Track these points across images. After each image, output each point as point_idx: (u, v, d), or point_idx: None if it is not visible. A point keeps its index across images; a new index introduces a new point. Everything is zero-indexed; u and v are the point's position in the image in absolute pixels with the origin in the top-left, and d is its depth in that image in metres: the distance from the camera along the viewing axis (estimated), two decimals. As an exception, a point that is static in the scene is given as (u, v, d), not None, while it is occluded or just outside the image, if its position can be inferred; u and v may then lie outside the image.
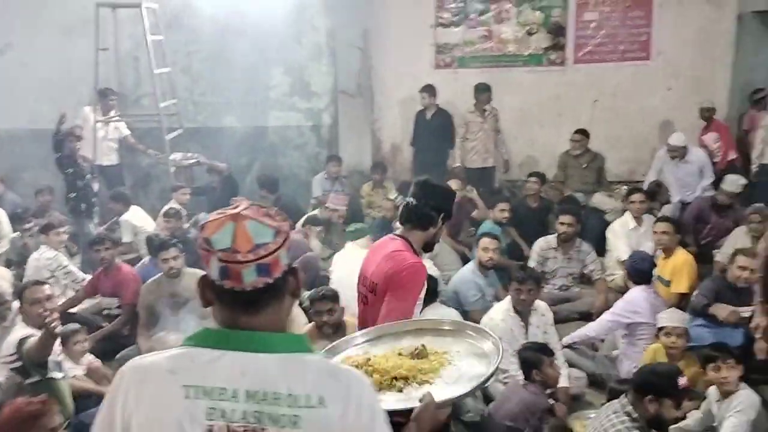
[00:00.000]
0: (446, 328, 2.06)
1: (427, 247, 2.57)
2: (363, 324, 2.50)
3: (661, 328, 3.75)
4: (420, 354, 1.84)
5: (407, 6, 7.55)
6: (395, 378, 1.73)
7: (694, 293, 4.44)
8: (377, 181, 7.04)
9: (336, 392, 1.21)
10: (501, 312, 4.05)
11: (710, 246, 5.56)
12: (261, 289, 1.23)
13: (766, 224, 4.88)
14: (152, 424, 1.19)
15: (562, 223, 5.16)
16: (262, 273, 1.22)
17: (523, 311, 4.02)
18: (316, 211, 5.89)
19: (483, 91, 6.89)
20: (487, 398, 3.78)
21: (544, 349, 3.53)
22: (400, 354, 1.87)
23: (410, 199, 2.52)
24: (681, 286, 4.61)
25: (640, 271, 4.34)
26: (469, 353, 1.88)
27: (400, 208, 2.64)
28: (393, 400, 1.65)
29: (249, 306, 1.24)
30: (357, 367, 1.72)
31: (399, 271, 2.37)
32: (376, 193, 7.01)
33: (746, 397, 3.20)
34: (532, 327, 4.02)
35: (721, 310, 4.16)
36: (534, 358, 3.43)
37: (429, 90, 7.00)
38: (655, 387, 2.80)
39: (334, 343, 2.03)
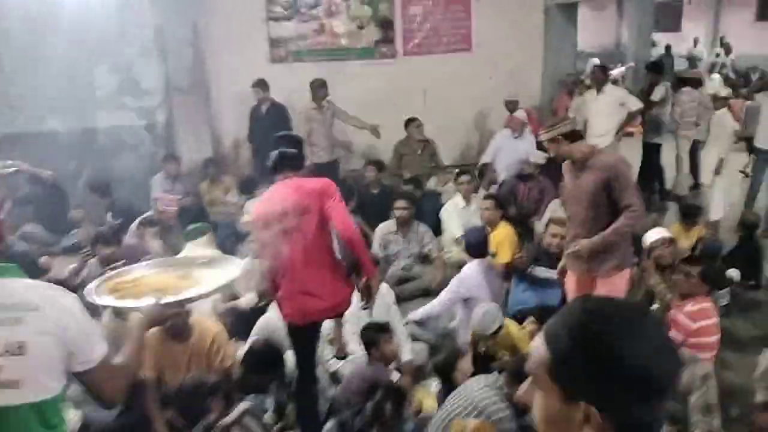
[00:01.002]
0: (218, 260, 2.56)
1: None
2: (293, 248, 3.04)
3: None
4: (185, 276, 2.31)
5: (237, 0, 7.47)
6: (157, 290, 2.17)
7: (516, 258, 4.94)
8: (213, 178, 6.94)
9: (47, 300, 1.69)
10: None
11: (530, 216, 6.18)
12: None
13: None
14: None
15: (397, 208, 5.43)
16: None
17: (368, 300, 4.21)
18: (150, 212, 5.68)
19: (319, 86, 7.03)
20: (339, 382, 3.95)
21: (382, 328, 3.69)
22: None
23: (280, 151, 3.13)
24: (504, 256, 5.08)
25: (476, 243, 4.58)
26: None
27: (272, 163, 3.20)
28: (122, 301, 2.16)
29: None
30: (123, 283, 2.25)
31: (327, 184, 3.11)
32: (215, 189, 6.91)
33: None
34: (376, 308, 4.23)
35: (541, 272, 4.67)
36: (372, 337, 3.60)
37: (261, 85, 6.99)
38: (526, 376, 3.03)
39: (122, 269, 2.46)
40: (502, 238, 5.10)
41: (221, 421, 2.83)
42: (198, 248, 5.02)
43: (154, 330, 3.50)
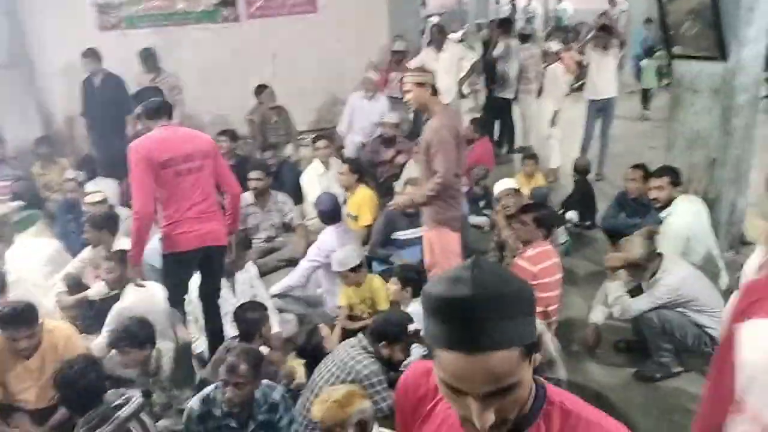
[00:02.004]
0: None
1: None
2: (197, 186, 3.57)
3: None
4: None
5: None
6: None
7: (376, 222, 5.05)
8: (46, 158, 6.37)
9: None
10: None
11: (392, 178, 6.32)
12: None
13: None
14: None
15: (252, 179, 5.30)
16: None
17: (230, 274, 4.14)
18: (-21, 207, 5.13)
19: (147, 56, 6.62)
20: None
21: (261, 307, 3.63)
22: None
23: (162, 99, 3.61)
24: (365, 219, 5.18)
25: (327, 210, 4.62)
26: None
27: (155, 109, 3.55)
28: None
29: None
30: None
31: (214, 142, 3.80)
32: (49, 171, 6.35)
33: None
34: (239, 285, 4.17)
35: (399, 236, 4.83)
36: (259, 318, 3.54)
37: (91, 55, 6.41)
38: (388, 334, 3.09)
39: None
40: (362, 201, 5.18)
41: (118, 415, 2.64)
42: (30, 238, 4.65)
43: None
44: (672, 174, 4.50)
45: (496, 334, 0.95)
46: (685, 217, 4.21)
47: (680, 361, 3.73)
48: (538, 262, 3.77)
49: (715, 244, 4.37)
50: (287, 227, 5.55)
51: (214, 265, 3.80)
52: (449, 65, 7.36)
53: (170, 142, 3.50)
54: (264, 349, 3.70)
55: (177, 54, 7.07)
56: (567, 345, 3.98)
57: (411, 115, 7.26)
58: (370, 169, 6.30)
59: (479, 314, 0.95)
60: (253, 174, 5.32)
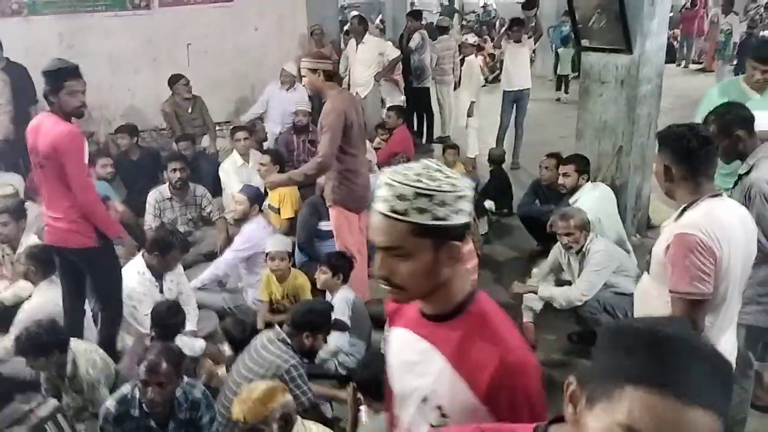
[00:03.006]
0: None
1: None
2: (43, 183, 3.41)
3: (267, 254, 4.15)
4: None
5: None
6: None
7: (300, 214, 5.03)
8: None
9: None
10: (135, 276, 3.93)
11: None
12: None
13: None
14: None
15: (174, 170, 5.13)
16: None
17: (159, 270, 4.01)
18: None
19: None
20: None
21: (179, 308, 3.54)
22: None
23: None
24: (287, 212, 5.14)
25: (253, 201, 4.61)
26: None
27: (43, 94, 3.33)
28: None
29: None
30: None
31: (64, 141, 3.25)
32: None
33: None
34: (167, 283, 4.05)
35: (323, 226, 4.81)
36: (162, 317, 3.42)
37: None
38: (312, 324, 3.09)
39: None
40: (285, 194, 5.13)
41: (34, 415, 2.51)
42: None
43: None
44: (579, 161, 4.71)
45: None
46: (591, 203, 4.40)
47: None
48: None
49: (622, 229, 4.61)
50: (205, 221, 5.43)
51: (65, 266, 3.60)
52: (369, 57, 7.40)
53: (34, 132, 3.37)
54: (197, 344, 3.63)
55: (85, 42, 6.72)
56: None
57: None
58: (287, 159, 6.23)
59: None
60: (172, 165, 5.16)
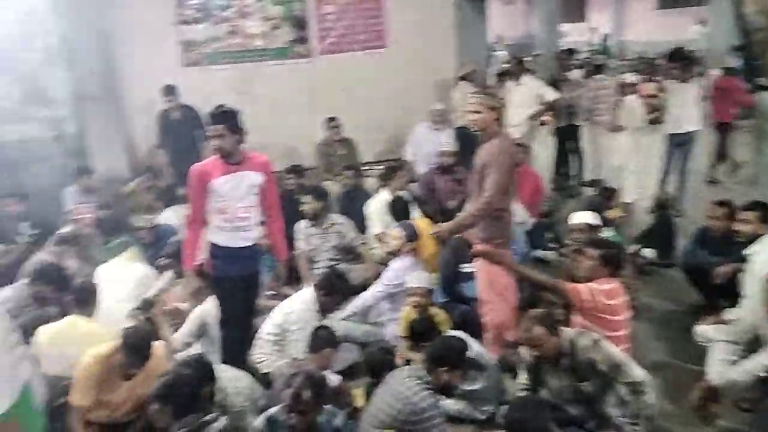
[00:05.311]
0: None
1: None
2: None
3: (408, 289, 4.19)
4: None
5: (144, 5, 7.26)
6: None
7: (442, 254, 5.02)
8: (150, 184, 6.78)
9: None
10: (300, 305, 4.16)
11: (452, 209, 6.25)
12: None
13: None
14: None
15: (303, 203, 5.42)
16: None
17: (324, 307, 4.20)
18: (66, 228, 5.43)
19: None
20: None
21: (332, 337, 3.74)
22: None
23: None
24: (427, 250, 5.14)
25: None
26: None
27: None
28: None
29: None
30: None
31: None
32: (146, 192, 6.71)
33: None
34: (301, 312, 4.21)
35: (467, 267, 4.75)
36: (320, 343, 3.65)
37: (169, 91, 6.81)
38: (449, 360, 3.08)
39: None
40: (421, 233, 5.16)
41: (211, 427, 2.69)
42: (124, 262, 4.88)
43: (101, 357, 3.33)
44: (763, 209, 4.27)
45: None
46: (771, 255, 3.93)
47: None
48: (611, 297, 3.61)
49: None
50: (349, 251, 5.58)
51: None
52: (526, 99, 7.32)
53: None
54: (334, 378, 3.72)
55: (252, 88, 7.37)
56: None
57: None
58: (428, 199, 6.28)
59: None
60: (304, 198, 5.45)
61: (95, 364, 3.30)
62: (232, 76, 7.50)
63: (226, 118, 3.64)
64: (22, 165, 6.95)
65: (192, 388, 2.81)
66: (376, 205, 6.08)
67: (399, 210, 5.40)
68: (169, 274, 4.65)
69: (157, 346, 3.56)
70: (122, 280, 4.64)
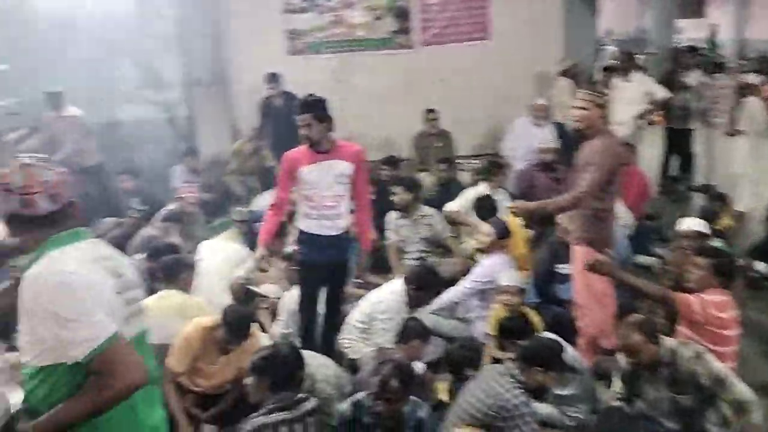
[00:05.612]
0: None
1: None
2: None
3: (499, 287, 4.11)
4: None
5: (254, -6, 7.51)
6: None
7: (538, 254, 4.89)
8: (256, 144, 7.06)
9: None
10: (390, 295, 4.18)
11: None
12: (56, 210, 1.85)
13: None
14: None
15: (394, 194, 5.39)
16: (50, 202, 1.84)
17: (412, 301, 4.19)
18: (172, 206, 5.73)
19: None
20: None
21: (424, 330, 3.73)
22: None
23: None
24: (518, 248, 5.01)
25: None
26: None
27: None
28: None
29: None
30: None
31: None
32: (252, 153, 6.99)
33: None
34: (390, 302, 4.22)
35: (562, 269, 4.60)
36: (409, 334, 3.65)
37: (272, 78, 6.98)
38: (544, 360, 3.02)
39: None
40: (513, 230, 5.03)
41: (303, 406, 2.78)
42: (225, 240, 5.10)
43: (203, 329, 3.47)
44: None
45: None
46: None
47: None
48: (721, 310, 3.38)
49: None
50: (438, 244, 5.53)
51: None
52: (635, 96, 6.99)
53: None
54: (419, 366, 3.72)
55: (350, 77, 7.45)
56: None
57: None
58: (525, 197, 6.09)
59: None
60: (395, 189, 5.42)
61: (196, 334, 3.46)
62: (332, 66, 7.61)
63: (314, 107, 3.66)
64: (137, 144, 7.43)
65: (288, 367, 2.87)
66: (464, 199, 5.95)
67: (485, 208, 5.28)
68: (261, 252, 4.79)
69: (256, 327, 3.68)
70: (222, 259, 4.84)
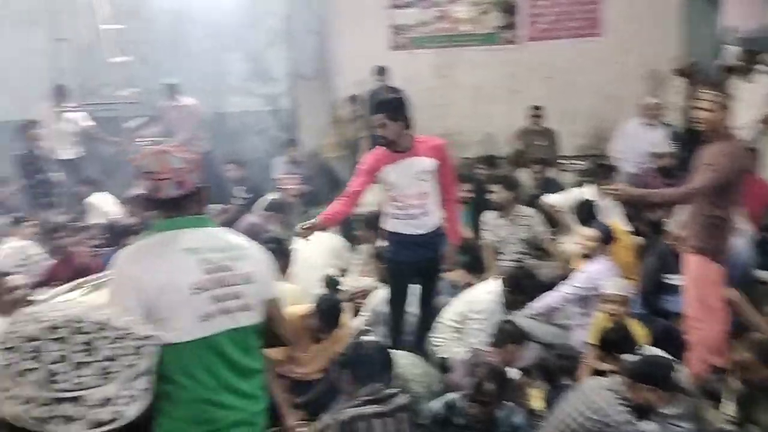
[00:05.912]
0: None
1: None
2: None
3: (603, 295, 3.91)
4: None
5: (362, -12, 7.59)
6: None
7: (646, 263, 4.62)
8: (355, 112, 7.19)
9: (247, 242, 2.09)
10: (487, 296, 4.11)
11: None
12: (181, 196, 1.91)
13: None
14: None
15: (491, 192, 5.28)
16: (177, 187, 1.89)
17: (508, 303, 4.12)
18: (275, 195, 5.91)
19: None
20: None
21: (520, 334, 3.62)
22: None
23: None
24: (619, 258, 4.75)
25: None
26: None
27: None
28: None
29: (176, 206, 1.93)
30: None
31: None
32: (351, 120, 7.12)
33: None
34: (486, 303, 4.13)
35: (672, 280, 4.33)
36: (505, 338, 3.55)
37: (380, 71, 7.05)
38: (656, 379, 2.88)
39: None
40: (618, 236, 4.79)
41: (395, 401, 2.79)
42: (320, 232, 5.18)
43: (296, 317, 3.52)
44: None
45: None
46: None
47: None
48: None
49: None
50: (536, 246, 5.35)
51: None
52: (758, 98, 6.49)
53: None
54: (515, 372, 3.62)
55: (454, 72, 7.37)
56: None
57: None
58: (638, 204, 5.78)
59: None
60: (492, 187, 5.30)
61: (291, 322, 3.53)
62: (435, 61, 7.59)
63: (386, 107, 3.61)
64: (242, 135, 7.72)
65: (375, 364, 2.85)
66: (566, 197, 5.71)
67: (585, 213, 5.06)
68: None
69: (347, 318, 3.72)
70: (317, 249, 4.92)
